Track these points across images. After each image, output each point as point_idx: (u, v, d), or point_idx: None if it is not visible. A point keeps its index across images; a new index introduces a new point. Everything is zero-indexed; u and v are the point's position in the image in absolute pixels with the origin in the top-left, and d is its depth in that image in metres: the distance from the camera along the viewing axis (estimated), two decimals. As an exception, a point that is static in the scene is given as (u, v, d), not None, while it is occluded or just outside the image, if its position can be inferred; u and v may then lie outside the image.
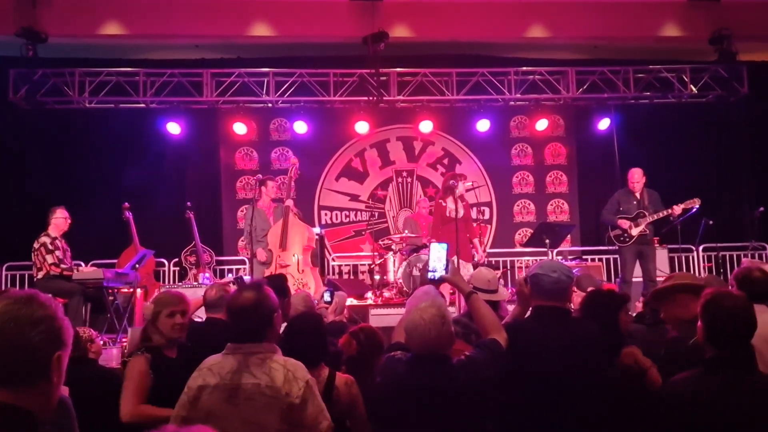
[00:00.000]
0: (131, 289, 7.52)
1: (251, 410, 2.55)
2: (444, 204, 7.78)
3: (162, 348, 3.55)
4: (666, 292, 3.49)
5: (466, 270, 7.02)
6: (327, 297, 5.28)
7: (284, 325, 3.70)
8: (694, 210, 8.25)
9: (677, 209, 7.61)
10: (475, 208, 10.32)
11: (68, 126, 10.07)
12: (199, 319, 5.20)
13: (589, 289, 4.64)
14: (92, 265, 8.66)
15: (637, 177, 7.90)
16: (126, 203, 8.38)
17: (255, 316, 2.67)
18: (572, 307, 3.88)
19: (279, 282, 4.02)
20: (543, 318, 3.07)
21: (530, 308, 3.18)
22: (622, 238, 7.75)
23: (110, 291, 7.21)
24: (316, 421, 2.58)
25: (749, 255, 9.27)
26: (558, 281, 3.04)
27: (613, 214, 7.85)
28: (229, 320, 2.78)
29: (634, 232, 7.67)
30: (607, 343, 3.20)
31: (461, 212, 7.55)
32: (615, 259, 9.16)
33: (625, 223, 7.67)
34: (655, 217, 7.68)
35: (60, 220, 7.15)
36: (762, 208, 9.08)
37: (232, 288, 4.52)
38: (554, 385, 2.92)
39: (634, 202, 7.81)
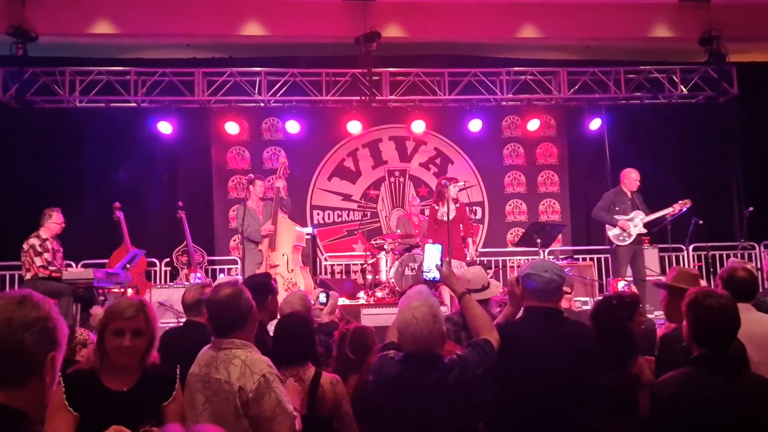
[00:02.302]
0: (122, 289, 7.50)
1: (218, 404, 2.67)
2: (437, 208, 7.95)
3: (99, 373, 2.59)
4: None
5: (459, 268, 7.06)
6: (323, 298, 5.28)
7: (273, 323, 3.71)
8: (684, 210, 8.33)
9: (677, 208, 7.70)
10: (467, 208, 10.34)
11: (58, 125, 10.00)
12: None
13: (566, 289, 4.65)
14: (83, 265, 8.63)
15: (635, 176, 7.95)
16: (117, 203, 8.34)
17: (228, 312, 2.76)
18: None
19: (263, 280, 3.99)
20: (535, 318, 3.07)
21: (522, 308, 3.18)
22: (621, 237, 7.78)
23: (100, 291, 7.18)
24: (274, 413, 2.58)
25: (738, 255, 9.34)
26: (550, 281, 3.03)
27: (608, 213, 7.88)
28: (207, 315, 2.89)
29: (634, 231, 7.73)
30: (619, 351, 3.21)
31: (452, 214, 7.63)
32: (606, 259, 9.22)
33: (626, 225, 7.73)
34: (654, 216, 7.73)
35: (54, 225, 7.18)
36: (751, 208, 9.13)
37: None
38: (545, 386, 2.93)
39: (629, 202, 7.86)
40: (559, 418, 2.92)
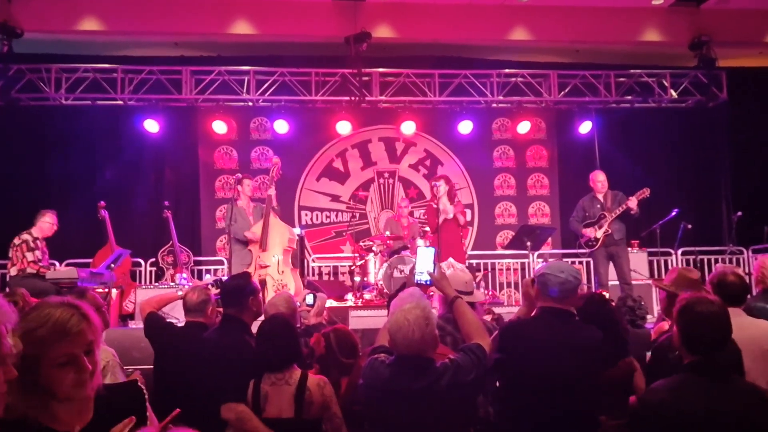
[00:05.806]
0: (106, 290, 7.38)
1: None
2: (435, 206, 7.93)
3: (35, 415, 1.68)
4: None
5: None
6: (309, 300, 5.20)
7: (257, 324, 3.65)
8: (674, 214, 8.36)
9: (632, 201, 7.66)
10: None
11: (44, 123, 9.88)
12: (174, 320, 5.10)
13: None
14: (66, 265, 8.51)
15: (600, 178, 8.00)
16: (102, 202, 8.24)
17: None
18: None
19: (242, 282, 3.94)
20: (547, 319, 3.05)
21: (536, 308, 3.15)
22: (590, 243, 7.87)
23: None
24: None
25: (727, 259, 9.38)
26: (565, 282, 3.02)
27: (580, 222, 7.97)
28: None
29: (599, 234, 7.78)
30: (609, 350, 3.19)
31: (451, 213, 7.84)
32: (595, 262, 9.20)
33: (589, 231, 7.81)
34: (614, 215, 7.74)
35: (46, 224, 7.24)
36: (740, 213, 9.17)
37: (213, 291, 4.42)
38: (551, 385, 2.91)
39: (598, 206, 7.92)
40: (565, 418, 2.89)
